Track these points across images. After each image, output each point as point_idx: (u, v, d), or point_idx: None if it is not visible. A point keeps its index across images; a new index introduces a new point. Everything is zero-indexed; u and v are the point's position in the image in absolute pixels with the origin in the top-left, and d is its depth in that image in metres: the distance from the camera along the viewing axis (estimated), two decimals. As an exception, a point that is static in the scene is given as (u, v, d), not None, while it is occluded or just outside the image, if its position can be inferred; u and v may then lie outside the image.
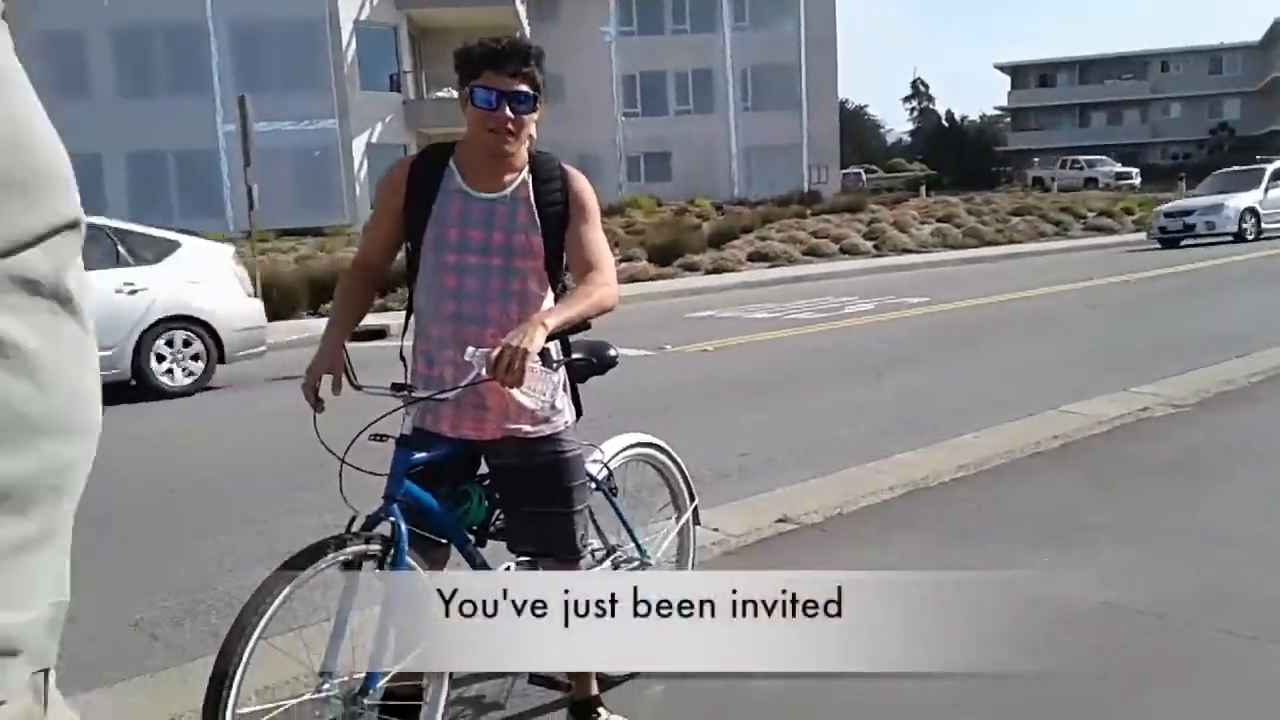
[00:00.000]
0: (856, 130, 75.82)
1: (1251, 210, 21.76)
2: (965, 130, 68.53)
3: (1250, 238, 21.20)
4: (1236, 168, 25.56)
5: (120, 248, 9.66)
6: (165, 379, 9.92)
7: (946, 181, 52.60)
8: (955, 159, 60.08)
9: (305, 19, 31.53)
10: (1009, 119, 76.22)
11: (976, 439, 6.27)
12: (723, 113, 43.02)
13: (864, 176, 56.78)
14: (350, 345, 2.72)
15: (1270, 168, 23.25)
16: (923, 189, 41.63)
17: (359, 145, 32.51)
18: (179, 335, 10.00)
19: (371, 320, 2.89)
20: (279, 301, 15.54)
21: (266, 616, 2.31)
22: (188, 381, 10.05)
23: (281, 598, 2.33)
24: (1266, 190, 22.26)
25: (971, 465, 5.70)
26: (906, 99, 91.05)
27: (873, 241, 25.35)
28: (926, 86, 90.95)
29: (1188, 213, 22.23)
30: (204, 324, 10.06)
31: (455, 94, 2.76)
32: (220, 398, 10.04)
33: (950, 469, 5.63)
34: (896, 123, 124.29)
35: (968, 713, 2.93)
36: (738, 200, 37.15)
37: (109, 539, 5.11)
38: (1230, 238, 21.56)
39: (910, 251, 24.63)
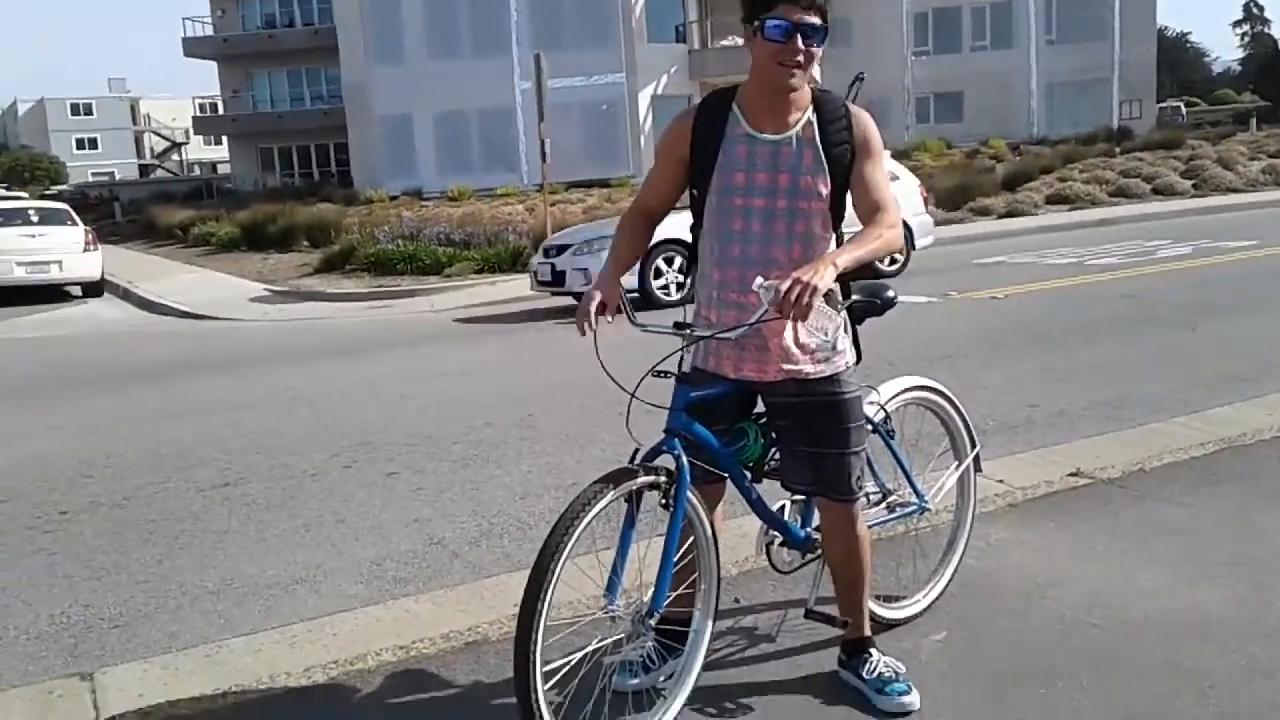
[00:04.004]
0: (1176, 60, 69.12)
1: (678, 245, 11.02)
2: (1307, 56, 60.62)
3: (670, 297, 11.53)
4: None
5: None
6: None
7: (1282, 113, 46.97)
8: (1294, 88, 53.40)
9: (599, -27, 32.34)
10: (1363, 41, 66.72)
11: (1307, 396, 5.65)
12: (1023, 47, 40.33)
13: (1183, 110, 51.78)
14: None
15: None
16: (1252, 122, 37.45)
17: (644, 98, 33.13)
18: None
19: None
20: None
21: (574, 538, 2.43)
22: None
23: (586, 522, 2.44)
24: None
25: (1298, 424, 5.14)
26: (1236, 23, 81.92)
27: (1191, 180, 23.12)
28: (1261, 9, 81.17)
29: (562, 250, 12.07)
30: None
31: (739, 42, 2.73)
32: (520, 334, 10.64)
33: (1271, 427, 5.11)
34: (1224, 50, 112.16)
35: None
36: (1036, 140, 34.90)
37: (422, 464, 5.58)
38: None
39: (1236, 191, 22.27)
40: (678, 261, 11.63)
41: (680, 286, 11.65)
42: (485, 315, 12.48)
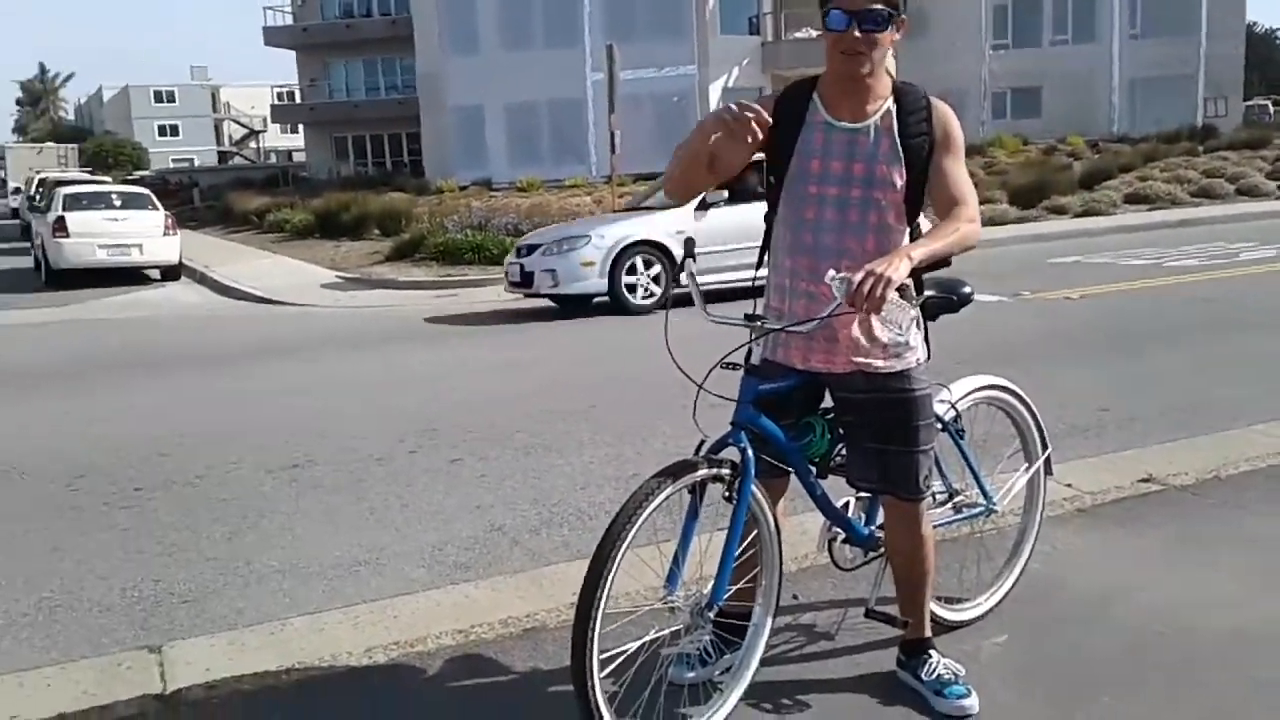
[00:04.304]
0: (1265, 58, 67.01)
1: (653, 248, 11.04)
2: (1406, 52, 58.48)
3: (641, 302, 11.06)
4: None
5: None
6: None
7: (1377, 113, 45.27)
8: (1390, 86, 51.48)
9: (672, -34, 32.27)
10: None
11: (1397, 405, 5.45)
12: (1105, 41, 39.30)
13: (1270, 109, 50.18)
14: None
15: None
16: (1345, 121, 36.10)
17: (715, 90, 32.97)
18: None
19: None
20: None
21: (637, 527, 2.43)
22: None
23: (648, 512, 2.44)
24: (700, 206, 10.56)
25: (1388, 434, 4.96)
26: (1330, 18, 79.03)
27: (1277, 182, 22.39)
28: (1358, 3, 78.26)
29: (533, 250, 11.66)
30: None
31: (814, 34, 2.72)
32: (583, 327, 10.68)
33: (1359, 437, 4.93)
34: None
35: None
36: (1117, 137, 34.04)
37: (485, 452, 5.63)
38: (593, 301, 11.37)
39: (1325, 193, 21.53)
40: (655, 267, 11.00)
41: (651, 295, 11.04)
42: (548, 306, 12.54)
